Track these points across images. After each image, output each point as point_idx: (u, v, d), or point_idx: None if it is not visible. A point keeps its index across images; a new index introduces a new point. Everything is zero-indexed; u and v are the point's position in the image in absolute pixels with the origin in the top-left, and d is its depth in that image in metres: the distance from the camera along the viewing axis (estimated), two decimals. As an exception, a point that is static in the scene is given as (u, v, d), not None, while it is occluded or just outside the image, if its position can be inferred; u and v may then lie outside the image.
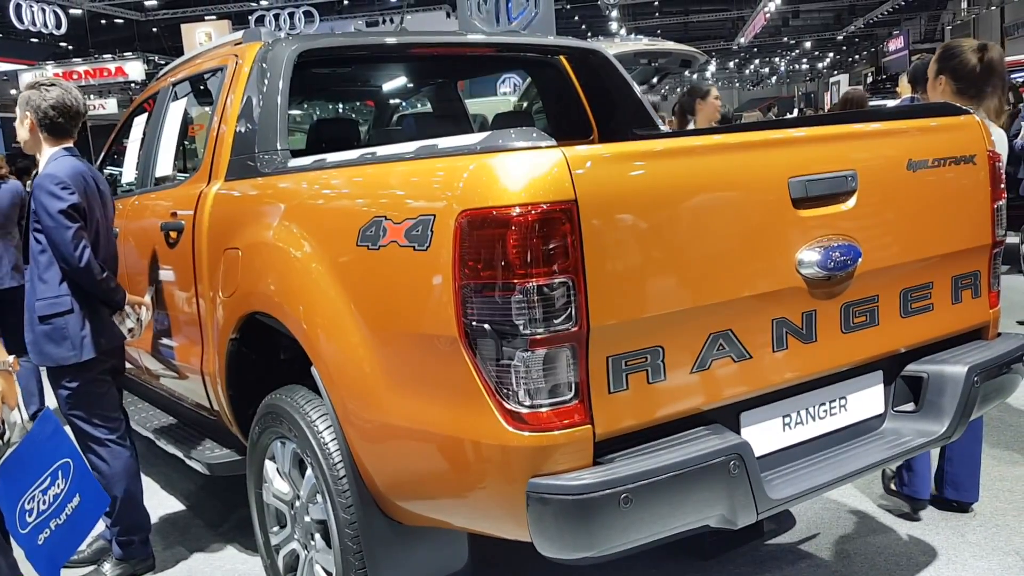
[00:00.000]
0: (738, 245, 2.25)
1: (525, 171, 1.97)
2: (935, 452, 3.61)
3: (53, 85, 3.41)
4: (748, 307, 2.27)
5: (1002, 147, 3.19)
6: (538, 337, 1.98)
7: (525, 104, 6.03)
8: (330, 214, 2.63)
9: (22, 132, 3.46)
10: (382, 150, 2.51)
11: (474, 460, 2.12)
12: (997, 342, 2.85)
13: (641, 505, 1.98)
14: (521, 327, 1.98)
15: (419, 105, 5.65)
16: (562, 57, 4.55)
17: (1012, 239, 6.82)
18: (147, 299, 3.62)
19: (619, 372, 2.07)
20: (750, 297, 2.27)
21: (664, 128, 4.62)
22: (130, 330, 3.51)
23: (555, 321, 1.98)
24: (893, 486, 3.65)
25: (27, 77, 20.07)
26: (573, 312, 1.99)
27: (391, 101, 5.39)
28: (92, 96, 24.24)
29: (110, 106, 24.30)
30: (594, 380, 2.04)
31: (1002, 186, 2.84)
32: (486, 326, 2.02)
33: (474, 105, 8.78)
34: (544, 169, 1.97)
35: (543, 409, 2.01)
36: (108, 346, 3.40)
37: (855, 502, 3.75)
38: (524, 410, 2.01)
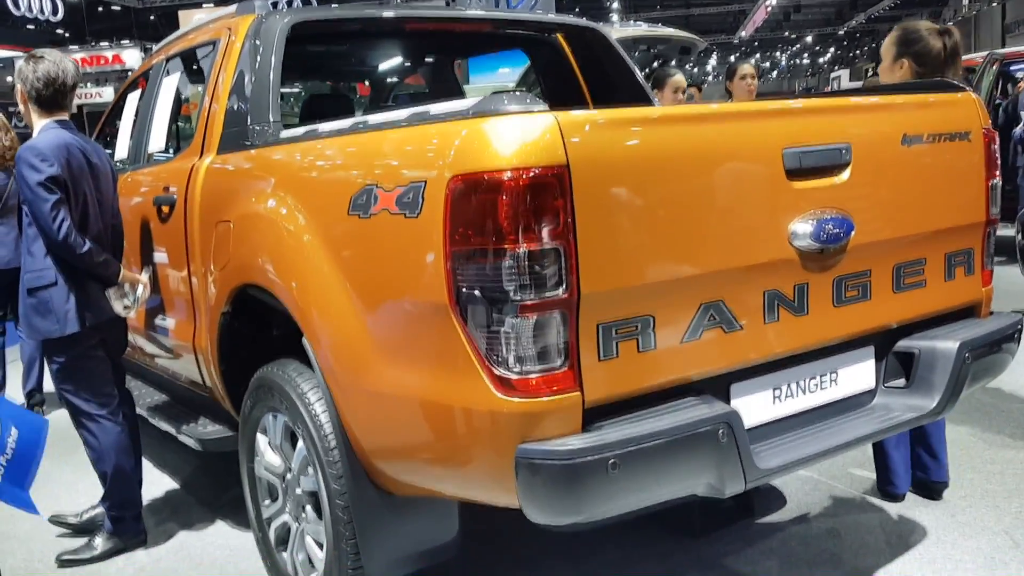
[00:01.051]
0: (731, 215, 2.24)
1: (517, 135, 1.96)
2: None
3: (43, 57, 3.38)
4: (740, 278, 2.27)
5: None
6: (528, 303, 1.97)
7: (524, 88, 6.00)
8: (322, 184, 2.63)
9: (21, 106, 3.44)
10: (374, 118, 2.50)
11: (463, 427, 2.12)
12: (989, 320, 2.85)
13: (629, 471, 1.98)
14: (511, 293, 1.97)
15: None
16: (559, 35, 4.54)
17: (1008, 231, 6.81)
18: (144, 277, 3.60)
19: (609, 340, 2.06)
20: (742, 268, 2.26)
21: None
22: (126, 307, 3.49)
23: (546, 287, 1.97)
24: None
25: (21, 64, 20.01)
26: (564, 279, 1.98)
27: (387, 80, 5.37)
28: (89, 84, 24.13)
29: (107, 94, 24.19)
30: (584, 347, 2.03)
31: (997, 164, 2.83)
32: (476, 292, 2.01)
33: (474, 91, 8.74)
34: (536, 133, 1.96)
35: (533, 375, 2.00)
36: (95, 321, 3.37)
37: (846, 483, 3.76)
38: (514, 376, 2.00)
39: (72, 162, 3.28)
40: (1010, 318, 2.85)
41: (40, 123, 3.39)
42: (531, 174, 1.94)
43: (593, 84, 4.49)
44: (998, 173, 2.83)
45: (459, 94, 5.16)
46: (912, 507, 3.50)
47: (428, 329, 2.16)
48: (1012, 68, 9.52)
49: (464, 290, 2.03)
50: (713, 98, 7.29)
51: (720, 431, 2.10)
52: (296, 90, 6.64)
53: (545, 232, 1.95)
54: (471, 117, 2.07)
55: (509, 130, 1.98)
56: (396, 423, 2.36)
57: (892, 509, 3.50)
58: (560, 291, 1.98)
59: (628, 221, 2.07)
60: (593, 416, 2.07)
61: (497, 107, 2.03)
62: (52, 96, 3.38)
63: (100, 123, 5.13)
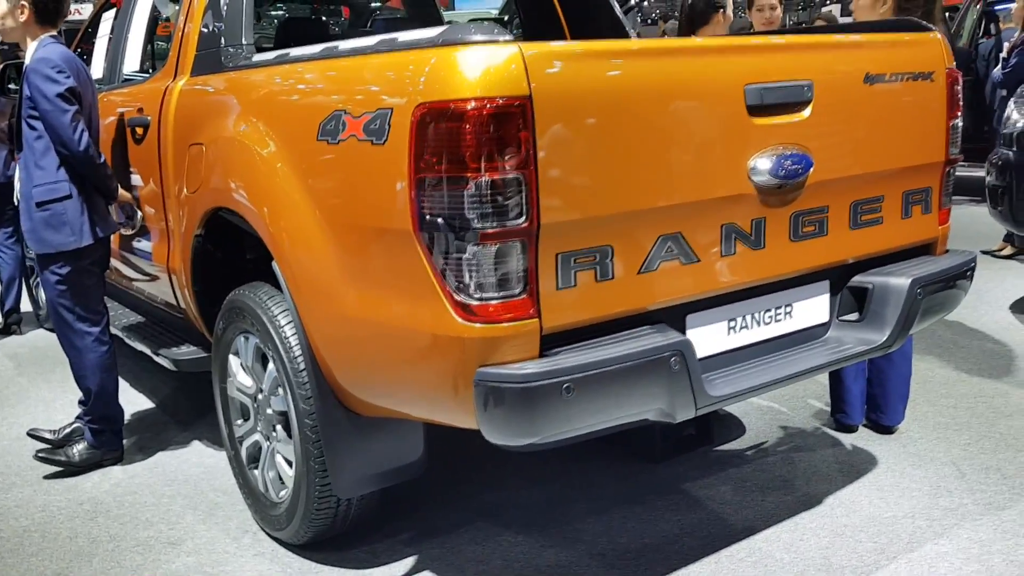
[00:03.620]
0: (691, 149, 2.28)
1: (481, 66, 1.99)
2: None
3: None
4: (698, 211, 2.32)
5: None
6: (489, 231, 2.02)
7: (506, 17, 5.95)
8: (292, 108, 2.64)
9: (9, 22, 3.41)
10: (344, 44, 2.51)
11: (425, 351, 2.19)
12: (944, 258, 2.92)
13: (583, 395, 2.06)
14: (473, 221, 2.02)
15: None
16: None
17: (979, 172, 6.85)
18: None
19: (568, 269, 2.12)
20: (701, 202, 2.31)
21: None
22: (121, 224, 3.62)
23: (507, 216, 2.02)
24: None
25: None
26: (524, 208, 2.03)
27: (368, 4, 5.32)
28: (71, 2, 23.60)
29: (86, 11, 23.59)
30: (543, 276, 2.09)
31: (959, 105, 2.87)
32: (439, 220, 2.06)
33: (458, 15, 8.65)
34: (499, 64, 1.99)
35: (492, 302, 2.06)
36: (105, 233, 3.47)
37: (804, 414, 3.88)
38: (474, 303, 2.06)
39: (80, 75, 3.34)
40: (964, 256, 2.92)
41: (38, 38, 3.41)
42: (494, 104, 1.97)
43: (571, 17, 4.47)
44: (960, 113, 2.88)
45: (438, 21, 5.12)
46: (865, 438, 3.62)
47: (393, 255, 2.21)
48: (996, 8, 9.45)
49: (428, 217, 2.08)
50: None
51: (672, 359, 2.18)
52: (281, 12, 6.55)
53: (506, 161, 2.00)
54: (437, 46, 2.09)
55: (473, 60, 2.00)
56: (362, 346, 2.43)
57: (846, 439, 3.62)
58: (520, 220, 2.03)
59: (590, 153, 2.11)
60: (551, 342, 2.13)
61: (463, 37, 2.05)
62: (59, 9, 3.42)
63: (75, 41, 5.07)
